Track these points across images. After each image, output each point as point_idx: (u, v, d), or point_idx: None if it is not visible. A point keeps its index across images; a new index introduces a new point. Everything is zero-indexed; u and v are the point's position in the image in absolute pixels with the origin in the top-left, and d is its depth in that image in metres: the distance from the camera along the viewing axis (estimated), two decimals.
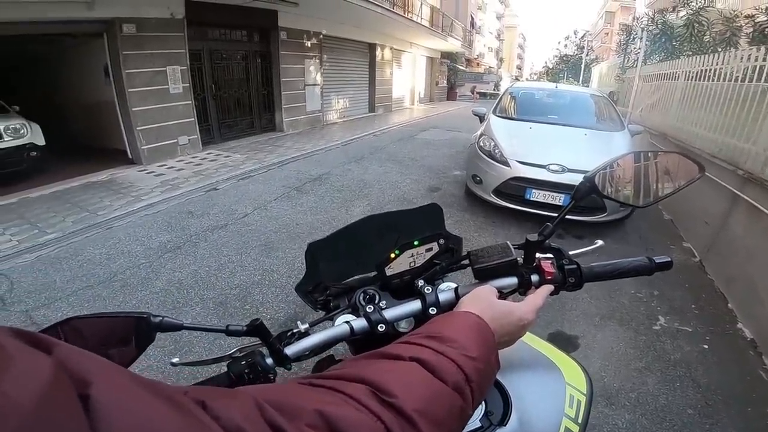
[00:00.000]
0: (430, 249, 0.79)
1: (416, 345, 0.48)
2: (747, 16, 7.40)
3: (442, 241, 0.79)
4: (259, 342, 0.66)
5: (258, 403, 0.31)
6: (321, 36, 10.09)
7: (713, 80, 4.27)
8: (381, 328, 0.71)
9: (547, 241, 0.74)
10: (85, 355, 0.25)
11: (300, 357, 0.68)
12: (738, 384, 2.15)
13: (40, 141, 5.49)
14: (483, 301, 0.59)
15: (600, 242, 0.85)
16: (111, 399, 0.23)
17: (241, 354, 0.65)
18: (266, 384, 0.50)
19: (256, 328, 0.61)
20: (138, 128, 6.10)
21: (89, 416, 0.22)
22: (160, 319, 0.58)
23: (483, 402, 0.63)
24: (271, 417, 0.31)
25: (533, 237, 0.73)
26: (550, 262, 0.74)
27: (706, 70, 4.51)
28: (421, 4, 14.73)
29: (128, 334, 0.58)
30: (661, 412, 1.94)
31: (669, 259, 0.74)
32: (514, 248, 0.71)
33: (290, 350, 0.66)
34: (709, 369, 2.25)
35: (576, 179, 0.78)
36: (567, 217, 0.77)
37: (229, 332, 0.63)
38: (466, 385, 0.45)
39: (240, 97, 8.49)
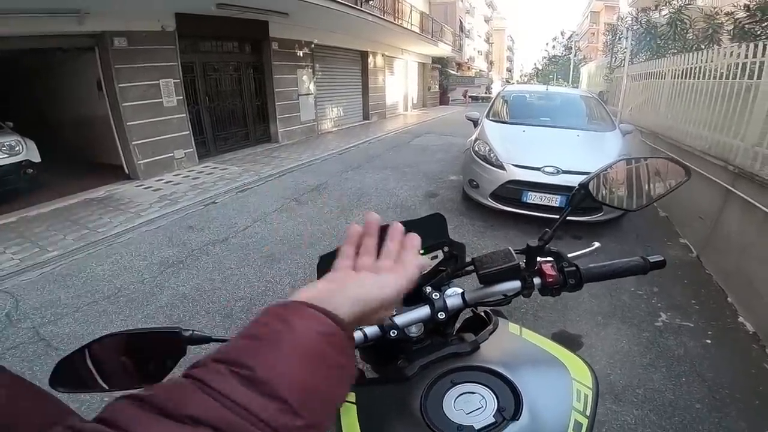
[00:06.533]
0: (436, 257, 0.83)
1: (216, 398, 0.29)
2: (727, 13, 7.54)
3: (446, 249, 0.83)
4: None
5: None
6: (313, 45, 10.16)
7: (699, 78, 4.35)
8: (393, 333, 0.75)
9: (547, 246, 0.78)
10: None
11: None
12: (743, 377, 2.19)
13: (36, 158, 5.45)
14: (337, 285, 0.42)
15: (597, 244, 0.89)
16: None
17: None
18: None
19: None
20: (133, 143, 6.11)
21: None
22: (190, 333, 0.61)
23: (495, 399, 0.66)
24: None
25: (534, 242, 0.77)
26: (550, 265, 0.78)
27: (691, 68, 4.60)
28: (411, 11, 14.88)
29: (161, 348, 0.61)
30: (669, 407, 1.97)
31: (662, 258, 0.78)
32: (516, 253, 0.75)
33: None
34: (713, 363, 2.28)
35: (570, 180, 0.83)
36: None
37: None
38: None
39: (234, 108, 8.52)
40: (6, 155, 5.13)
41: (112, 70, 5.73)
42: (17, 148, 5.25)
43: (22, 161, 5.26)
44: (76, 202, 5.24)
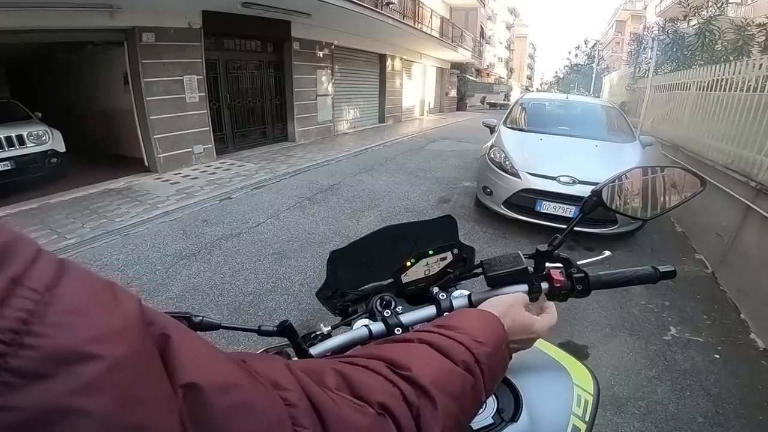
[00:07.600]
0: (444, 258, 0.83)
1: (425, 331, 0.50)
2: (758, 25, 7.38)
3: (455, 251, 0.83)
4: (283, 344, 0.70)
5: (287, 365, 0.36)
6: (333, 46, 10.26)
7: (725, 90, 4.26)
8: (398, 331, 0.75)
9: (556, 252, 0.78)
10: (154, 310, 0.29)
11: (322, 358, 0.73)
12: (750, 393, 2.15)
13: (61, 148, 5.65)
14: (503, 305, 0.61)
15: (607, 253, 0.88)
16: (184, 343, 0.28)
17: (269, 354, 0.70)
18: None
19: (286, 329, 0.66)
20: (155, 136, 6.25)
21: (166, 356, 0.26)
22: (200, 319, 0.62)
23: (495, 400, 0.66)
24: (300, 377, 0.35)
25: (543, 247, 0.77)
26: (559, 270, 0.77)
27: (718, 80, 4.50)
28: (432, 15, 14.90)
29: None
30: (671, 420, 1.95)
31: (672, 269, 0.77)
32: (525, 258, 0.75)
33: (314, 351, 0.70)
34: (720, 378, 2.24)
35: (586, 191, 0.82)
36: (578, 229, 0.81)
37: (261, 332, 0.67)
38: (475, 365, 0.46)
39: (253, 107, 8.64)
40: (33, 144, 5.32)
41: (139, 64, 5.88)
42: (44, 138, 5.43)
43: (47, 150, 5.44)
44: (96, 192, 5.37)
